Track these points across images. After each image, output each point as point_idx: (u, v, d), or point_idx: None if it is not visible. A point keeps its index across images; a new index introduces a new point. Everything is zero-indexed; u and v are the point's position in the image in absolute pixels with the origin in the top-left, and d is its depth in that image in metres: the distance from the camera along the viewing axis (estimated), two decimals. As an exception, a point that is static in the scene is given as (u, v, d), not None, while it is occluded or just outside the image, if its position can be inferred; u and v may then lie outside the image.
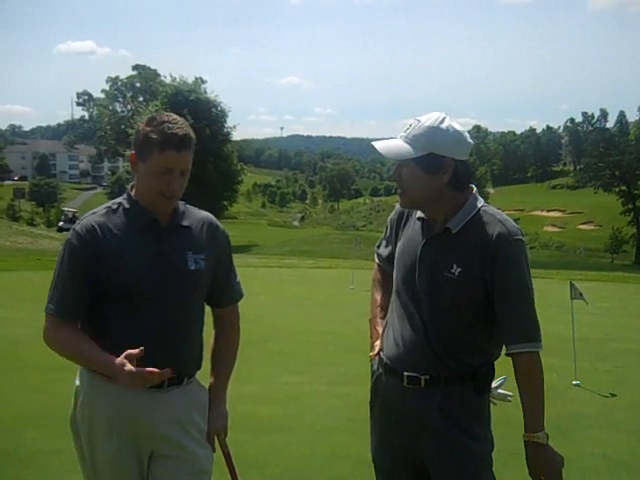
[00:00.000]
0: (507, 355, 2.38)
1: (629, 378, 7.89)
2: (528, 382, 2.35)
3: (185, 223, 2.48)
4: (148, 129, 2.34)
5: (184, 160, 2.36)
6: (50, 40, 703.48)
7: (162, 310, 2.36)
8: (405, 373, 2.44)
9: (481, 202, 2.46)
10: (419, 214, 2.54)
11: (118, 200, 2.49)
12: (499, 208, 2.55)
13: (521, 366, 2.35)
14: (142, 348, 2.19)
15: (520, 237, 2.38)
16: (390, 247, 2.72)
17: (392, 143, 2.43)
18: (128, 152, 2.43)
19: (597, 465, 5.00)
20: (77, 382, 2.50)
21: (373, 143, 2.45)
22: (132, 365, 2.17)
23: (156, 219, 2.42)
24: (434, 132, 2.37)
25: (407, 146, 2.38)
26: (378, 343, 2.64)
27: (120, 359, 2.18)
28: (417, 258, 2.46)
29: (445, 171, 2.37)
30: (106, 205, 2.49)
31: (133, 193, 2.46)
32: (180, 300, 2.37)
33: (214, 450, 2.54)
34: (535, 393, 2.36)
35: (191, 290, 2.43)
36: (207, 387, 2.61)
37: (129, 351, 2.19)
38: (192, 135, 2.38)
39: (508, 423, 2.54)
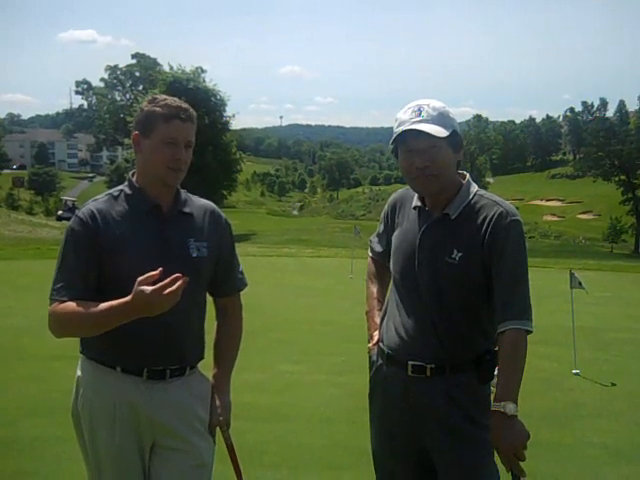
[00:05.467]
0: (498, 334, 2.31)
1: (629, 367, 7.89)
2: (510, 357, 2.27)
3: (187, 210, 2.48)
4: (151, 106, 2.38)
5: (188, 132, 2.39)
6: (51, 28, 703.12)
7: None
8: (410, 362, 2.44)
9: (475, 187, 2.49)
10: (415, 203, 2.53)
11: (119, 187, 2.48)
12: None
13: (506, 341, 2.27)
14: (161, 269, 2.11)
15: (518, 218, 2.39)
16: (384, 242, 2.73)
17: (426, 126, 2.34)
18: (128, 140, 2.42)
19: (596, 454, 5.00)
20: (78, 372, 2.48)
21: (416, 127, 2.33)
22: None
23: (159, 205, 2.41)
24: (446, 112, 2.40)
25: (437, 126, 2.35)
26: (377, 334, 2.63)
27: (136, 288, 2.08)
28: (416, 246, 2.46)
29: (462, 148, 2.42)
30: (107, 192, 2.48)
31: (135, 179, 2.45)
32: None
33: (215, 442, 2.52)
34: (513, 368, 2.26)
35: (193, 277, 2.37)
36: (210, 377, 2.58)
37: (145, 275, 2.09)
38: (194, 112, 2.43)
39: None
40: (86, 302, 2.25)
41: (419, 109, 2.38)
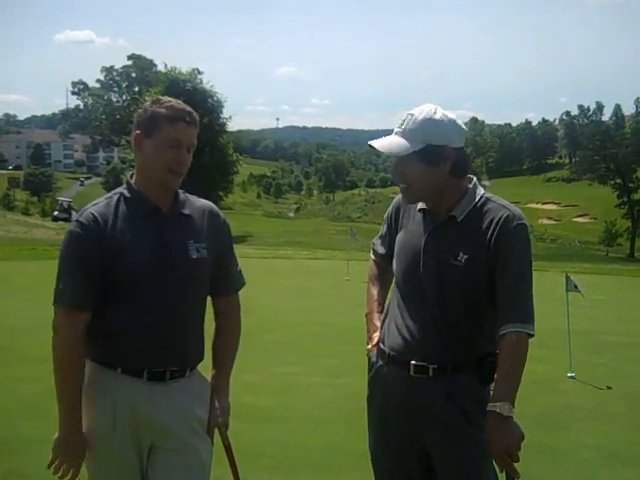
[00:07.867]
0: (499, 336, 2.32)
1: (624, 370, 7.90)
2: (509, 358, 2.28)
3: (186, 212, 2.47)
4: (155, 106, 2.38)
5: (192, 135, 2.40)
6: (49, 29, 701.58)
7: (163, 300, 2.33)
8: (412, 362, 2.44)
9: (482, 190, 2.50)
10: (420, 205, 2.55)
11: (118, 190, 2.48)
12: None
13: (507, 343, 2.28)
14: None
15: (524, 221, 2.41)
16: (387, 244, 2.73)
17: (390, 140, 2.43)
18: (123, 141, 2.43)
19: (591, 457, 5.02)
20: None
21: (371, 143, 2.45)
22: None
23: (158, 207, 2.41)
24: (429, 123, 2.39)
25: (404, 141, 2.39)
26: (377, 335, 2.63)
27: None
28: (421, 249, 2.47)
29: (446, 160, 2.39)
30: (107, 196, 2.48)
31: (133, 182, 2.45)
32: (182, 289, 2.36)
33: (213, 443, 2.53)
34: (512, 369, 2.28)
35: (193, 279, 2.41)
36: (209, 379, 2.59)
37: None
38: (197, 115, 2.44)
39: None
40: (80, 369, 2.38)
41: (404, 119, 2.42)
